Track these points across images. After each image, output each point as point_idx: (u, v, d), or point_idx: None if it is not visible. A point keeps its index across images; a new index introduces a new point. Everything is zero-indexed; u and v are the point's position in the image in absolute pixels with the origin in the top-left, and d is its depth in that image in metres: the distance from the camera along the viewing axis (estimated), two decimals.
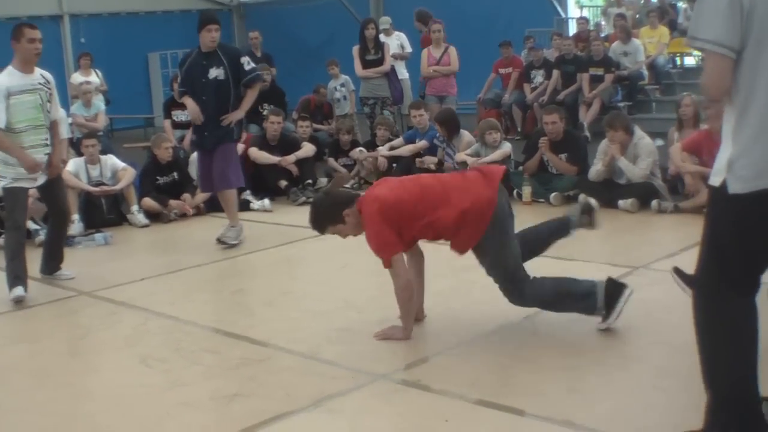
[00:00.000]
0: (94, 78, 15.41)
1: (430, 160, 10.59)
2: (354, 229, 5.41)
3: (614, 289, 5.24)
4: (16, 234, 6.99)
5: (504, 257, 5.24)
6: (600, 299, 5.19)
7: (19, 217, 7.03)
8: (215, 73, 8.11)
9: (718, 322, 3.50)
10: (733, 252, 3.40)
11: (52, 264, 7.50)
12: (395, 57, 12.94)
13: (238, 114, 8.27)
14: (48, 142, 7.05)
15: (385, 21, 13.47)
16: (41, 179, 7.06)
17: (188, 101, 8.26)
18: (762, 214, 3.30)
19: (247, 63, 8.30)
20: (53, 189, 7.28)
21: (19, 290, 6.80)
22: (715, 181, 3.41)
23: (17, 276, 6.87)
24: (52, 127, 7.14)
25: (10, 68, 6.94)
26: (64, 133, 7.57)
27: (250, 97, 8.39)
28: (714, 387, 3.53)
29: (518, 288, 5.25)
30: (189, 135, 12.23)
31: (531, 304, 5.36)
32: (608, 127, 9.05)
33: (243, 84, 8.22)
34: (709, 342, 3.54)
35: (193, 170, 10.58)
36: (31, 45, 6.85)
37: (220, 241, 8.27)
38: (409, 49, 13.22)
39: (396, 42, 13.00)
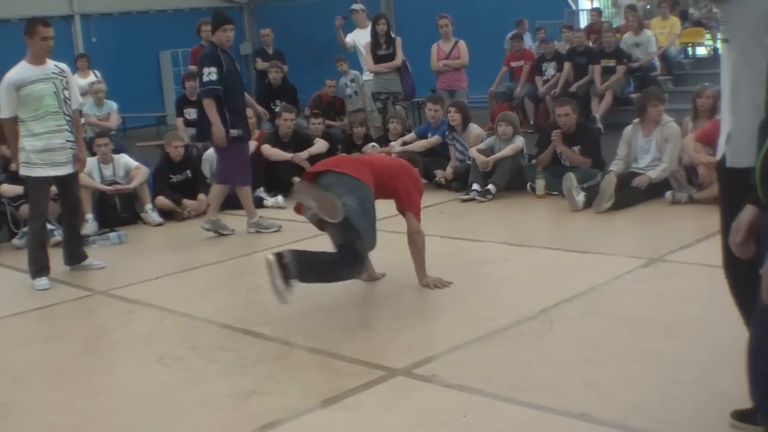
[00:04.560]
0: (93, 79, 15.23)
1: (441, 174, 10.53)
2: None
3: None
4: (42, 223, 7.38)
5: None
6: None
7: (44, 206, 7.38)
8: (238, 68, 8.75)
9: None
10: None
11: (76, 254, 7.75)
12: None
13: None
14: (69, 129, 7.31)
15: (357, 6, 13.21)
16: (64, 170, 7.32)
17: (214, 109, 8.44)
18: None
19: None
20: (72, 182, 7.54)
21: (44, 281, 7.22)
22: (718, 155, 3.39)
23: (43, 266, 7.28)
24: (74, 117, 7.43)
25: (23, 62, 7.21)
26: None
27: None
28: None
29: None
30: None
31: None
32: (656, 100, 8.98)
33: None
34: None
35: (207, 168, 10.60)
36: (44, 43, 7.15)
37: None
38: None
39: (366, 37, 12.60)
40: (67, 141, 7.31)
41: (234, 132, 8.46)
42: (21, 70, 7.16)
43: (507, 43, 15.95)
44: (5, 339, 6.03)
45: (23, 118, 7.12)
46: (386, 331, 5.53)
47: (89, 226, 8.84)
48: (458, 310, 5.83)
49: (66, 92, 7.30)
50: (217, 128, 8.35)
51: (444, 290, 6.20)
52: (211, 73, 8.32)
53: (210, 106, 8.35)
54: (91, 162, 9.69)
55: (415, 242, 6.26)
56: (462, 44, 12.63)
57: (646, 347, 4.89)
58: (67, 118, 7.32)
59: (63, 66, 7.42)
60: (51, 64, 7.30)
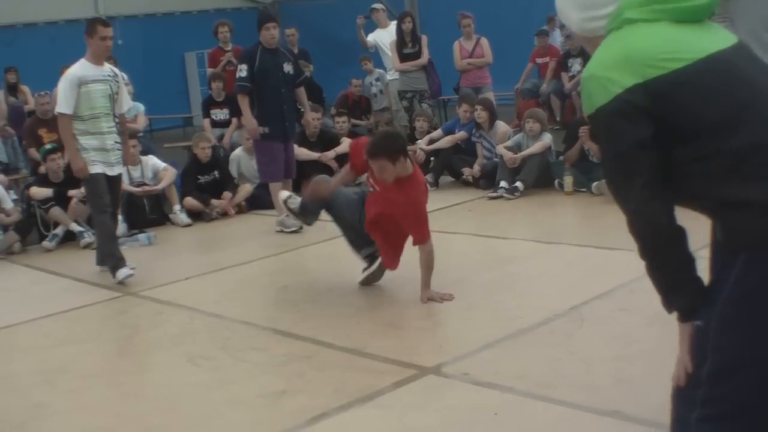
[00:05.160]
0: None
1: (469, 172, 10.48)
2: (392, 175, 5.85)
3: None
4: (107, 216, 7.44)
5: None
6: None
7: (105, 200, 7.40)
8: (288, 68, 8.89)
9: None
10: None
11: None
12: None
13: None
14: (117, 131, 7.51)
15: (378, 5, 13.23)
16: (115, 170, 7.52)
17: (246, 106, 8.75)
18: None
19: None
20: (117, 185, 7.73)
21: (126, 271, 7.25)
22: None
23: (120, 257, 7.35)
24: (120, 121, 7.62)
25: (83, 60, 7.40)
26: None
27: (303, 95, 9.34)
28: None
29: None
30: (229, 133, 12.31)
31: None
32: None
33: (296, 83, 9.07)
34: None
35: (234, 169, 10.64)
36: (103, 42, 7.35)
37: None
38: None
39: (388, 37, 12.66)
40: (116, 143, 7.48)
41: (260, 129, 8.76)
42: (84, 67, 7.36)
43: (536, 40, 15.89)
44: (38, 341, 6.08)
45: (79, 116, 7.26)
46: (416, 330, 5.53)
47: (118, 227, 8.88)
48: (488, 308, 5.82)
49: (116, 96, 7.51)
50: (247, 121, 8.79)
51: (473, 289, 6.17)
52: (242, 70, 8.75)
53: (241, 101, 8.80)
54: None
55: (428, 263, 6.06)
56: (484, 41, 12.59)
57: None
58: (116, 120, 7.52)
59: (117, 70, 7.75)
60: (107, 66, 7.57)
